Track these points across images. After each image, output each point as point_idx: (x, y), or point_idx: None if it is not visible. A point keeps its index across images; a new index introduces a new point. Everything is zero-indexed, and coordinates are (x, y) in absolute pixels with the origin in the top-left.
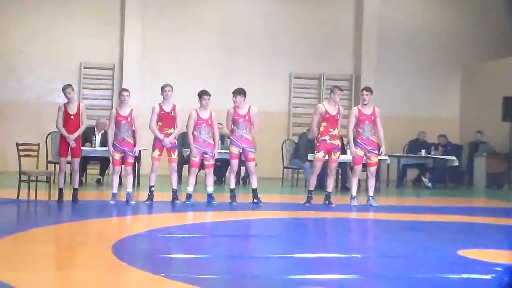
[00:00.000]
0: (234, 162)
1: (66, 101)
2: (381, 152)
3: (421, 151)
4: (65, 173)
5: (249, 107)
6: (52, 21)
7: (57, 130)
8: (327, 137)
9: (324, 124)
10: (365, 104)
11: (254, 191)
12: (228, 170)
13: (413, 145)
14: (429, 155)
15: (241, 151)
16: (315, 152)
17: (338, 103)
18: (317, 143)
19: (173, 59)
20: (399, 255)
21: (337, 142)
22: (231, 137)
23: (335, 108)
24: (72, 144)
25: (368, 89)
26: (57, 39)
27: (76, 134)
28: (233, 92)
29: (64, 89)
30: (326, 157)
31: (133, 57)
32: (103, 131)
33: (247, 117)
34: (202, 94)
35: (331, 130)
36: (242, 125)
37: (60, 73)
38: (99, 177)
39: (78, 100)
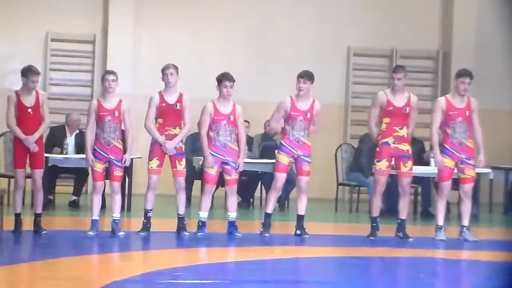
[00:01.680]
0: (281, 177)
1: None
2: (480, 163)
3: None
4: (24, 191)
5: (313, 101)
6: None
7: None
8: (390, 140)
9: (386, 120)
10: (461, 95)
11: (300, 218)
12: (258, 188)
13: None
14: None
15: (293, 161)
16: (375, 161)
17: (399, 89)
18: (378, 148)
19: (182, 29)
20: None
21: (406, 147)
22: (282, 141)
23: (403, 98)
24: (34, 148)
25: (470, 74)
26: (15, 0)
27: (37, 134)
28: (300, 76)
29: (30, 74)
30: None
31: (123, 25)
32: (77, 131)
33: (309, 115)
34: (223, 79)
35: (397, 129)
36: (301, 125)
37: (18, 48)
38: (74, 198)
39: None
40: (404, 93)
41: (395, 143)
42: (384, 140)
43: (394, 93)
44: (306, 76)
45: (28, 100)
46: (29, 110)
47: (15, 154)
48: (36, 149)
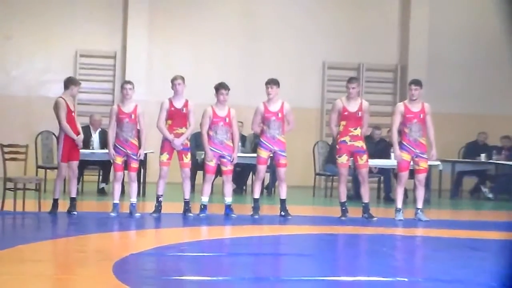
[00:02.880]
0: (262, 168)
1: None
2: (432, 156)
3: (480, 155)
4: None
5: (282, 103)
6: (44, 2)
7: (48, 130)
8: (347, 138)
9: (343, 123)
10: (414, 100)
11: (283, 202)
12: (250, 177)
13: (471, 148)
14: (490, 160)
15: (271, 155)
16: (336, 157)
17: (353, 97)
18: (337, 146)
19: (186, 46)
20: (453, 279)
21: (360, 143)
22: (261, 139)
23: (356, 104)
24: (81, 145)
25: (417, 82)
26: (50, 23)
27: (82, 134)
28: (267, 82)
29: (78, 84)
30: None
31: (138, 43)
32: (100, 129)
33: (280, 115)
34: (220, 87)
35: (352, 129)
36: (274, 124)
37: (53, 62)
38: (103, 185)
39: None
40: (357, 100)
41: (351, 141)
42: (342, 139)
43: (349, 100)
44: (272, 82)
45: (72, 105)
46: (73, 113)
47: (63, 150)
48: (81, 146)
